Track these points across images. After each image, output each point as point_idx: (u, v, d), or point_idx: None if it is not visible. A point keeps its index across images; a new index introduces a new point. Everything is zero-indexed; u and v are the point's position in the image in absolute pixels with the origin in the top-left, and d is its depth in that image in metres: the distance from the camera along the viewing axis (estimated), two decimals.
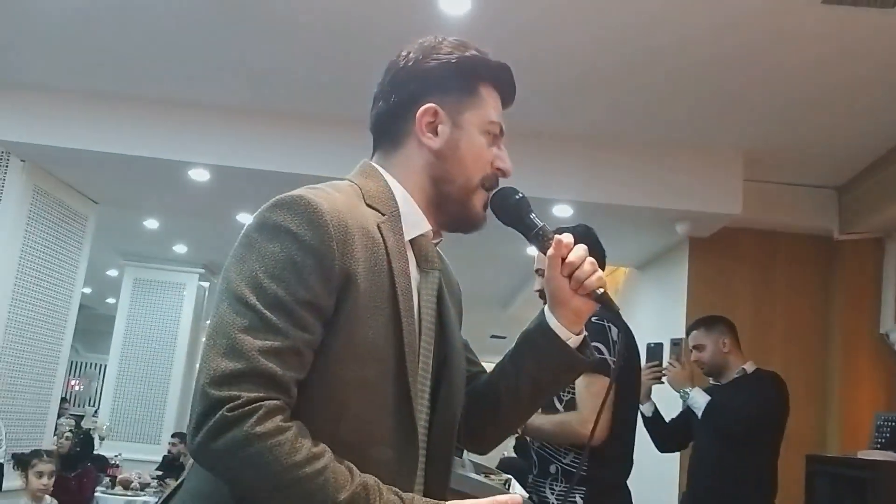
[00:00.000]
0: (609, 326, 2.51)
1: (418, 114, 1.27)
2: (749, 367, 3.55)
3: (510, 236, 5.19)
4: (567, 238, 1.27)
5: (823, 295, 4.80)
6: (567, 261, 1.28)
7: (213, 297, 1.08)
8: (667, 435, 3.58)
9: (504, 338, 13.25)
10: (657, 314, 5.05)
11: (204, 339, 1.14)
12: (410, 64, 1.29)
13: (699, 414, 3.43)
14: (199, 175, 4.69)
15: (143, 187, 5.29)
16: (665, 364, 3.46)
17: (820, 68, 3.46)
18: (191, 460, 1.18)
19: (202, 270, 8.59)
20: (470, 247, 6.29)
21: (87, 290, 9.24)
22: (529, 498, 2.49)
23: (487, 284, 8.63)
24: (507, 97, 1.39)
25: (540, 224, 1.34)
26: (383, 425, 1.17)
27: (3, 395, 4.72)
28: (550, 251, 1.28)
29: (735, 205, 4.31)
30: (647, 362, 3.31)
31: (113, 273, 9.51)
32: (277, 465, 1.03)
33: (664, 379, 3.46)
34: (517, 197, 1.35)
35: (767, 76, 3.56)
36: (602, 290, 1.27)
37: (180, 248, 7.95)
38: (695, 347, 3.59)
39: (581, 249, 1.28)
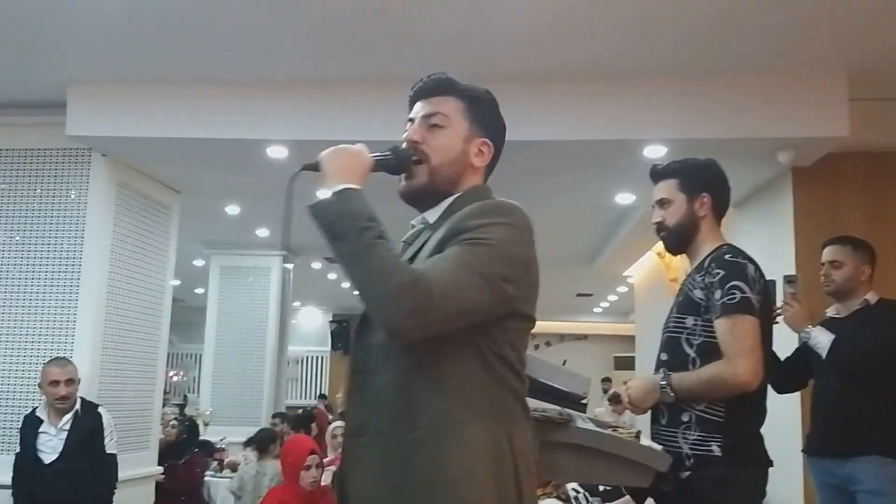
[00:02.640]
0: (746, 264, 2.33)
1: None
2: (872, 297, 3.32)
3: (597, 181, 4.92)
4: None
5: None
6: None
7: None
8: (785, 375, 3.34)
9: (591, 295, 13.02)
10: (762, 253, 4.67)
11: None
12: None
13: (823, 354, 3.21)
14: (277, 152, 4.63)
15: (222, 171, 5.28)
16: (780, 303, 3.23)
17: None
18: None
19: (285, 253, 8.65)
20: (550, 201, 6.13)
21: (176, 282, 9.43)
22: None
23: (570, 240, 8.42)
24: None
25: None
26: None
27: (110, 390, 4.80)
28: None
29: (841, 127, 4.01)
30: None
31: (199, 263, 9.66)
32: None
33: (779, 319, 3.23)
34: None
35: None
36: None
37: (262, 232, 8.00)
38: (830, 262, 3.37)
39: None
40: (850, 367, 3.20)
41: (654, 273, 8.01)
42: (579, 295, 12.86)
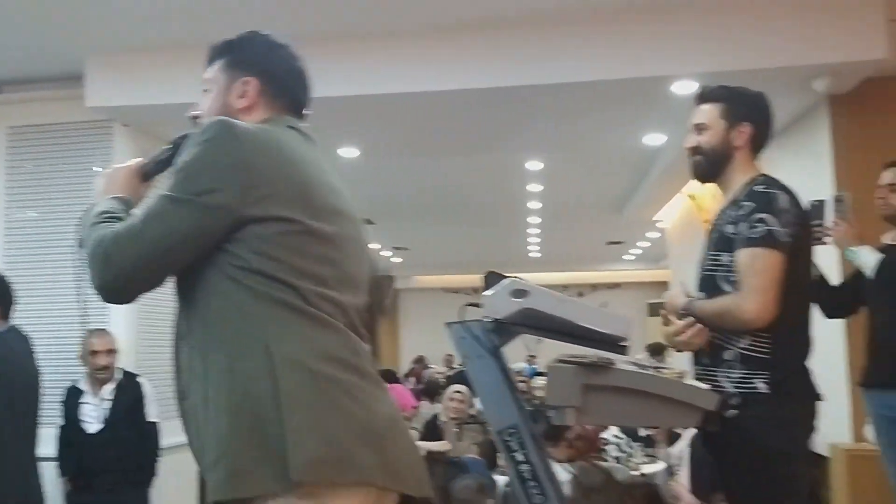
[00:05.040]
0: (777, 194, 2.24)
1: None
2: None
3: (624, 122, 4.76)
4: None
5: None
6: None
7: None
8: (834, 299, 3.26)
9: (621, 243, 12.89)
10: (801, 185, 4.57)
11: None
12: None
13: (868, 272, 3.11)
14: None
15: None
16: (829, 223, 3.13)
17: None
18: None
19: None
20: (576, 146, 6.01)
21: None
22: None
23: (598, 187, 8.33)
24: None
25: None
26: None
27: (147, 360, 4.82)
28: None
29: (878, 49, 3.83)
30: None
31: None
32: None
33: (827, 239, 3.14)
34: None
35: None
36: None
37: None
38: (889, 185, 3.25)
39: None
40: (894, 283, 3.09)
41: (686, 216, 7.87)
42: (610, 243, 12.74)
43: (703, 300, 2.32)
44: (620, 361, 2.10)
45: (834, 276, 3.31)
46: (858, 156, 4.25)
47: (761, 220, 2.20)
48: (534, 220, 10.29)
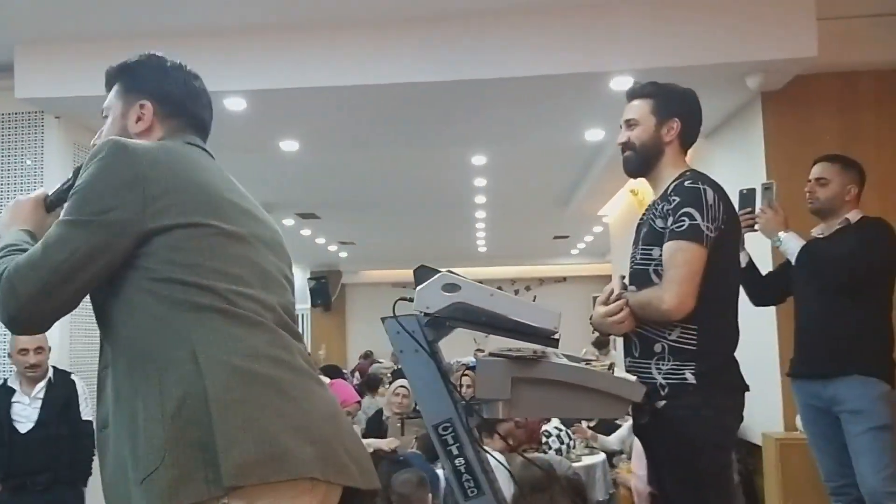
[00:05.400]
0: (705, 189, 2.28)
1: None
2: (853, 216, 3.27)
3: (565, 117, 4.78)
4: None
5: None
6: None
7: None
8: (762, 286, 3.33)
9: (567, 237, 12.99)
10: (734, 182, 4.70)
11: None
12: None
13: (793, 259, 3.19)
14: (236, 104, 4.49)
15: None
16: (757, 210, 3.20)
17: None
18: None
19: None
20: (520, 142, 6.02)
21: None
22: None
23: (543, 182, 8.38)
24: None
25: None
26: None
27: (82, 358, 4.73)
28: None
29: (809, 47, 3.92)
30: (739, 210, 2.88)
31: None
32: None
33: (757, 226, 3.21)
34: None
35: None
36: None
37: None
38: (817, 179, 3.32)
39: None
40: (818, 272, 3.17)
41: (628, 211, 7.97)
42: (556, 237, 12.83)
43: (634, 293, 2.35)
44: (553, 354, 2.11)
45: (766, 265, 3.38)
46: (790, 151, 4.34)
47: (686, 215, 2.25)
48: (480, 214, 10.32)
